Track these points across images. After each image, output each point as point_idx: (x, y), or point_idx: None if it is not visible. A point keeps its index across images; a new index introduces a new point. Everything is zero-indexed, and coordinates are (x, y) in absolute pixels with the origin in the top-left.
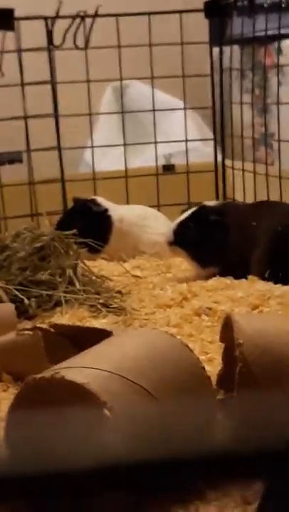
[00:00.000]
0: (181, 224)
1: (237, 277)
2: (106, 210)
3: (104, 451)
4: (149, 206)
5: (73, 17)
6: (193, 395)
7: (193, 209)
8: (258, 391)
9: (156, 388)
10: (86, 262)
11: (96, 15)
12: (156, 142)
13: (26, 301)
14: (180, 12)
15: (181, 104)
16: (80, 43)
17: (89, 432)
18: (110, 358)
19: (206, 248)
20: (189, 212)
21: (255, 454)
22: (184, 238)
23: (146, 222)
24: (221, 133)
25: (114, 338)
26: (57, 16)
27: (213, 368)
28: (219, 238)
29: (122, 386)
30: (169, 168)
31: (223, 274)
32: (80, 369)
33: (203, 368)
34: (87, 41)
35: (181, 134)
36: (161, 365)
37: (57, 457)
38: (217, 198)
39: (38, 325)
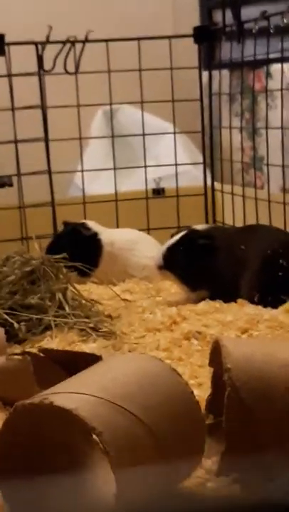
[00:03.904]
0: (170, 248)
1: (226, 301)
2: (96, 233)
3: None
4: (139, 230)
5: (63, 42)
6: (181, 421)
7: (182, 233)
8: (246, 416)
9: (146, 414)
10: (76, 285)
11: (86, 40)
12: (146, 166)
13: (16, 325)
14: (169, 37)
15: (171, 127)
16: (71, 67)
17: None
18: (99, 383)
19: (195, 272)
20: (178, 236)
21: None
22: (173, 262)
23: (136, 245)
24: (211, 156)
25: (103, 363)
26: (47, 41)
27: (202, 392)
28: (208, 262)
29: (111, 412)
30: (158, 192)
31: (212, 298)
32: (69, 394)
33: (192, 393)
34: (77, 66)
35: (171, 158)
36: (151, 391)
37: None
38: (207, 221)
39: (28, 349)
